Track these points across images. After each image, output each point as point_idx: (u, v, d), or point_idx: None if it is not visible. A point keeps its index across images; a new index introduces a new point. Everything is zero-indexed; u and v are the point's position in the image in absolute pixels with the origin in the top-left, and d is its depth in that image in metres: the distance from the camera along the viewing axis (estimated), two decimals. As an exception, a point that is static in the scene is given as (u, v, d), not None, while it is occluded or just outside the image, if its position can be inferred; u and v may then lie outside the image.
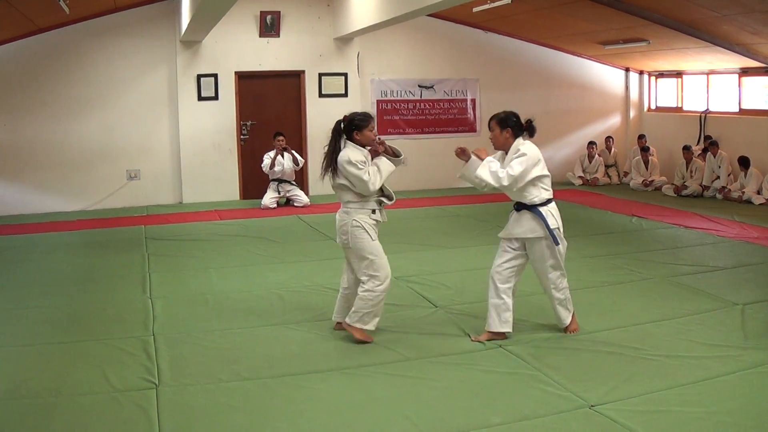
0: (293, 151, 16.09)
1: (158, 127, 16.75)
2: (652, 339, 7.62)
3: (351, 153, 7.69)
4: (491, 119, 7.64)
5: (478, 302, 8.78)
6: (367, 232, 7.63)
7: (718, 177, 16.85)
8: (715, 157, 16.97)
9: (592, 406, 6.07)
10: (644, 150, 18.62)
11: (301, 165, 16.24)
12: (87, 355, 7.41)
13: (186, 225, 14.37)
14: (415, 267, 10.76)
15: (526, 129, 7.63)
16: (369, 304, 7.56)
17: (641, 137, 19.19)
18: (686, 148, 17.68)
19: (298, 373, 6.93)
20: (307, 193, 16.87)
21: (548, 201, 7.55)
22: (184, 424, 5.87)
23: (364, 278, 7.65)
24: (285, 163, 15.87)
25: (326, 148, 8.09)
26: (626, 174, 19.47)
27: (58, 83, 15.92)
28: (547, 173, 7.57)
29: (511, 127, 7.53)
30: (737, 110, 17.46)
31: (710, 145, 17.10)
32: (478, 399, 6.24)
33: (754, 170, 16.02)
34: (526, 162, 7.35)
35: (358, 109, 17.51)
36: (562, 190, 18.21)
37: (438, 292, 9.45)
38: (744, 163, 16.10)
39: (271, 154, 15.88)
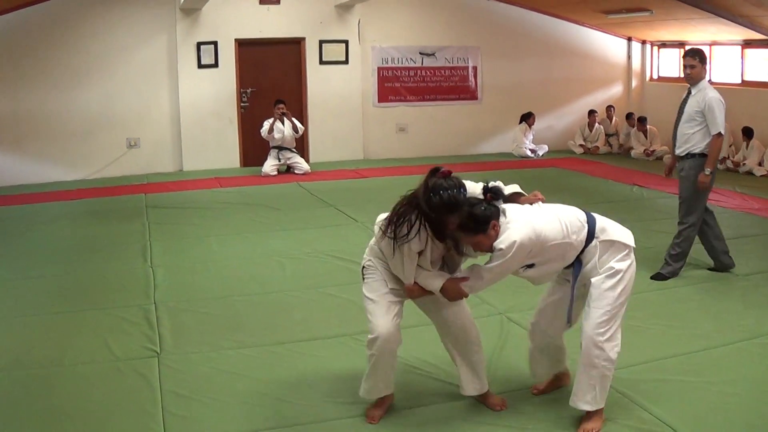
0: (293, 118, 16.05)
1: (158, 95, 16.68)
2: (652, 308, 7.63)
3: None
4: (457, 230, 5.09)
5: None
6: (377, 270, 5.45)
7: (720, 148, 16.84)
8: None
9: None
10: (641, 121, 18.56)
11: (300, 132, 16.18)
12: (89, 324, 7.43)
13: (186, 193, 14.35)
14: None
15: (492, 197, 5.21)
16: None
17: (629, 116, 19.19)
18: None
19: (300, 341, 6.97)
20: (307, 161, 16.83)
21: (587, 243, 5.23)
22: (185, 392, 5.89)
23: None
24: (285, 130, 15.84)
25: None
26: (621, 146, 19.41)
27: (57, 52, 15.83)
28: (553, 237, 5.09)
29: (490, 215, 5.07)
30: (740, 82, 17.40)
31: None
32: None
33: (756, 142, 16.00)
34: (502, 266, 5.08)
35: (359, 77, 17.75)
36: (562, 158, 18.23)
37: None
38: (748, 133, 16.07)
39: (271, 120, 15.83)
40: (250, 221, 11.87)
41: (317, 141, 17.75)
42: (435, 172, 5.00)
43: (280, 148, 16.10)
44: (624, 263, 5.22)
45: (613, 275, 5.17)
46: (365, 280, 5.46)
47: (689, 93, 8.84)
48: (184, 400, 5.78)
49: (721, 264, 8.98)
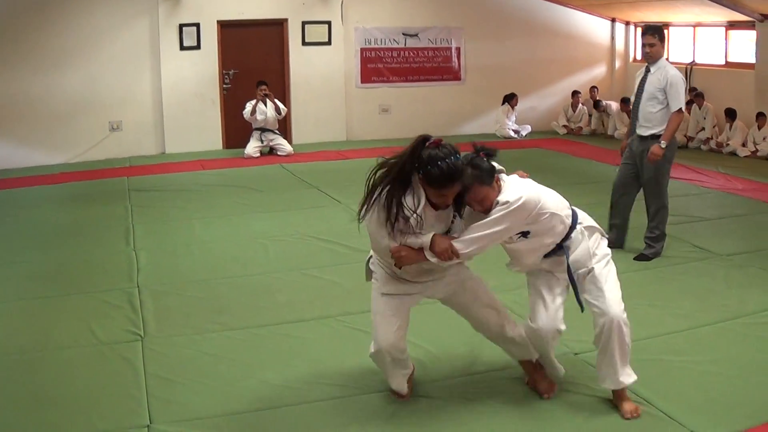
0: (276, 100, 15.99)
1: (140, 78, 16.57)
2: (635, 288, 7.63)
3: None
4: (471, 185, 4.89)
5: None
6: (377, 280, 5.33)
7: (703, 128, 16.87)
8: (700, 108, 16.97)
9: (576, 353, 6.10)
10: (624, 102, 18.54)
11: (283, 114, 16.11)
12: (72, 308, 7.41)
13: (169, 176, 14.29)
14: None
15: (486, 155, 4.99)
16: None
17: (597, 104, 19.28)
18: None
19: (284, 323, 6.98)
20: (290, 142, 16.75)
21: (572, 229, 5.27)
22: (170, 375, 5.89)
23: None
24: (267, 111, 15.77)
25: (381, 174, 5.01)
26: (580, 129, 19.40)
27: (39, 35, 15.69)
28: (549, 207, 5.07)
29: (493, 167, 5.01)
30: (723, 63, 17.43)
31: (696, 96, 17.07)
32: (465, 347, 6.27)
33: (739, 123, 16.01)
34: (502, 219, 4.90)
35: (342, 58, 17.70)
36: (546, 139, 18.23)
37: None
38: (731, 115, 16.09)
39: (253, 102, 15.78)
40: (233, 203, 11.83)
41: (300, 122, 17.68)
42: (424, 142, 4.81)
43: (263, 130, 16.04)
44: (607, 248, 5.38)
45: (605, 258, 5.30)
46: (373, 287, 5.34)
47: (647, 71, 8.78)
48: (168, 383, 5.77)
49: (616, 239, 9.05)
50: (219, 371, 5.98)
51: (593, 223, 5.42)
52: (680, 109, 8.52)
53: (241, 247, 9.50)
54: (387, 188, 4.86)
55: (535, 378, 5.61)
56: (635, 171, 9.00)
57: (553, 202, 5.13)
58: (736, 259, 8.67)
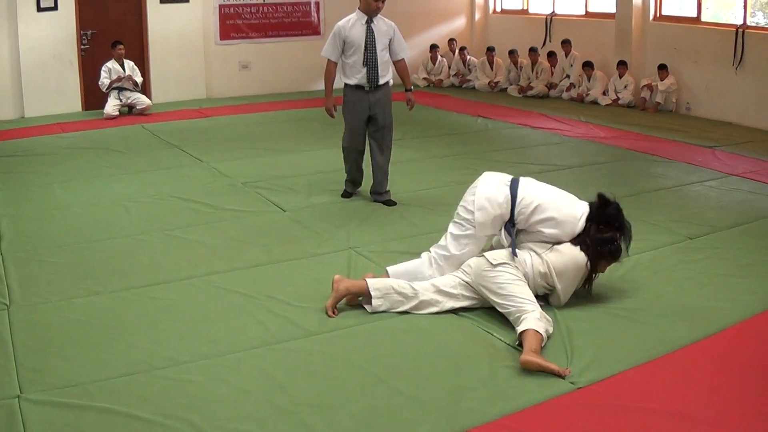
0: (134, 68, 15.85)
1: (-4, 41, 16.23)
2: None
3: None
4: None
5: (327, 203, 9.19)
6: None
7: (568, 76, 17.17)
8: (567, 56, 17.27)
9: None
10: (489, 51, 18.81)
11: (140, 86, 16.05)
12: (-67, 279, 7.26)
13: (28, 140, 13.91)
14: (261, 172, 10.79)
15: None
16: None
17: (462, 49, 19.69)
18: (532, 50, 17.92)
19: (150, 285, 6.95)
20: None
21: None
22: (38, 343, 5.84)
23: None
24: (124, 73, 15.64)
25: None
26: (440, 81, 19.68)
27: None
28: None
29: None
30: (583, 13, 17.78)
31: (563, 44, 17.33)
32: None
33: (598, 73, 16.36)
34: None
35: (200, 15, 17.53)
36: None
37: (286, 196, 9.52)
38: (589, 66, 16.42)
39: (109, 64, 15.58)
40: (94, 166, 11.64)
41: (159, 81, 17.49)
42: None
43: (120, 89, 15.84)
44: None
45: None
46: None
47: (370, 22, 9.36)
48: (36, 352, 5.72)
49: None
50: (87, 337, 5.94)
51: None
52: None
53: (103, 210, 9.38)
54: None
55: None
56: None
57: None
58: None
